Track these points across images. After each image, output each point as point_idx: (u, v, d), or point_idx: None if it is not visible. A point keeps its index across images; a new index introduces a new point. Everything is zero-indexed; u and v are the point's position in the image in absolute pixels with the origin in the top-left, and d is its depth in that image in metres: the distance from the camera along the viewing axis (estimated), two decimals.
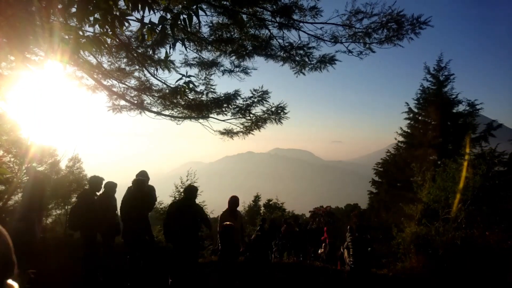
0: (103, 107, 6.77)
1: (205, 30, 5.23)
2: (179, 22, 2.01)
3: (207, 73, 5.96)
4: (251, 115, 6.00)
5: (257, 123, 6.03)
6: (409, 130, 14.43)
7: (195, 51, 5.73)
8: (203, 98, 6.03)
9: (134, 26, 5.08)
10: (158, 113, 6.23)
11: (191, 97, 6.01)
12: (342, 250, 9.00)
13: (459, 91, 13.55)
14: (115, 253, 5.36)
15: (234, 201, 5.33)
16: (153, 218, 11.91)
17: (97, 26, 1.83)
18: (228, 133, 6.36)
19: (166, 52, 5.80)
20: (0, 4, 1.58)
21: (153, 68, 5.55)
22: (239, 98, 5.94)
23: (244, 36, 5.24)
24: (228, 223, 3.83)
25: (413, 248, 6.12)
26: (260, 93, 5.75)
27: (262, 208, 21.52)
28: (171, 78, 5.14)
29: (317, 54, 5.28)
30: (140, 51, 5.43)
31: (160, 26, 1.99)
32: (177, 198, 10.17)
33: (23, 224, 4.02)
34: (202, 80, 5.97)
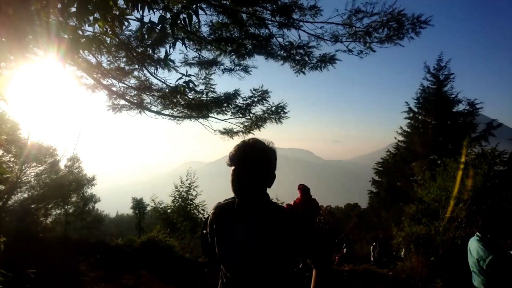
0: (103, 106, 6.77)
1: (205, 29, 5.22)
2: (178, 22, 2.00)
3: (207, 72, 5.95)
4: (251, 115, 6.00)
5: (257, 122, 6.02)
6: (409, 130, 14.43)
7: (195, 50, 5.72)
8: (203, 98, 6.02)
9: (134, 25, 5.08)
10: (158, 113, 6.22)
11: (191, 97, 6.00)
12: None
13: (459, 90, 13.58)
14: None
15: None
16: (154, 217, 11.89)
17: (96, 25, 1.83)
18: (228, 132, 6.36)
19: (166, 51, 5.78)
20: (0, 4, 1.58)
21: (152, 68, 5.54)
22: (239, 97, 5.93)
23: (244, 35, 5.22)
24: None
25: (413, 248, 6.12)
26: (260, 92, 5.74)
27: None
28: (171, 78, 5.15)
29: (317, 54, 5.27)
30: (139, 50, 5.42)
31: (160, 26, 1.98)
32: (177, 198, 10.14)
33: None
34: (202, 79, 5.96)
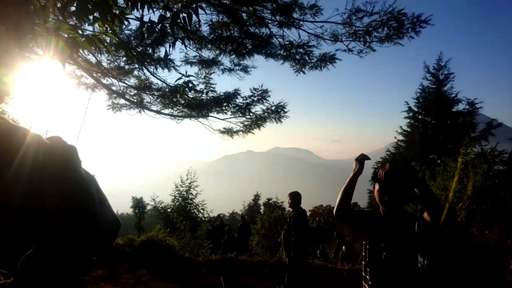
0: (103, 105, 6.71)
1: (204, 28, 5.21)
2: (178, 21, 1.99)
3: (207, 71, 5.95)
4: (251, 114, 6.00)
5: (257, 122, 6.03)
6: (409, 129, 14.43)
7: (195, 49, 5.72)
8: (203, 97, 6.02)
9: (134, 24, 5.07)
10: (158, 112, 6.22)
11: (191, 96, 6.00)
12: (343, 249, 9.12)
13: (458, 90, 13.61)
14: None
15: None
16: (153, 217, 11.89)
17: (96, 25, 1.82)
18: (228, 132, 6.36)
19: (166, 50, 5.80)
20: (0, 3, 1.57)
21: (152, 67, 5.53)
22: (239, 97, 5.93)
23: (244, 35, 5.22)
24: None
25: None
26: (260, 92, 5.75)
27: (262, 207, 21.55)
28: (171, 77, 5.13)
29: (317, 53, 5.27)
30: (139, 49, 5.41)
31: (160, 25, 1.98)
32: (177, 197, 10.15)
33: None
34: (202, 79, 5.96)
